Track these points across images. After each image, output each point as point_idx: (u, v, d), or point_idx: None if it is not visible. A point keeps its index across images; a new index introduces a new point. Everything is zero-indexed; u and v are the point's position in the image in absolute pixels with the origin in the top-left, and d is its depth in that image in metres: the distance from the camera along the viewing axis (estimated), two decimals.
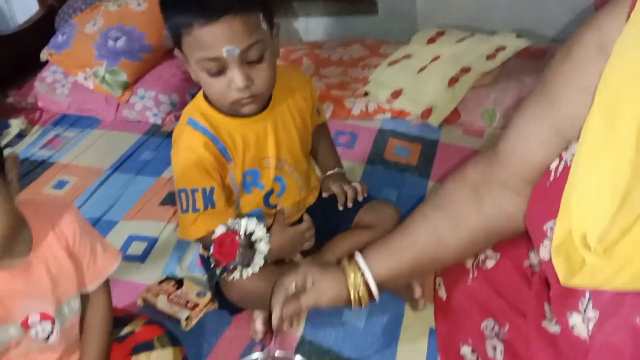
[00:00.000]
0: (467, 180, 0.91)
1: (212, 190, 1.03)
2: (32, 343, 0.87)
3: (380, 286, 0.91)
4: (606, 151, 0.65)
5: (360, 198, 1.21)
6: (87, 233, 0.91)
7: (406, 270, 0.92)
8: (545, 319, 0.82)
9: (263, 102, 1.04)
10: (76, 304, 0.92)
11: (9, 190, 0.78)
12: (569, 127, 0.73)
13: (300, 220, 1.14)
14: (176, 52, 0.98)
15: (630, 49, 0.65)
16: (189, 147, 1.02)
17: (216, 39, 0.89)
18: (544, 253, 0.76)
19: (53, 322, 0.88)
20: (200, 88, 1.05)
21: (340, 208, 1.20)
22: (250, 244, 0.98)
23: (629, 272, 0.63)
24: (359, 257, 0.93)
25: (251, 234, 0.97)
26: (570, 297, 0.72)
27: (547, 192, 0.76)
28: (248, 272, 0.98)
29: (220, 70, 0.93)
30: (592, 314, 0.68)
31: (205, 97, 1.05)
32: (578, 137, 0.71)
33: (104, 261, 0.93)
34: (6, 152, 0.80)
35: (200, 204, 1.03)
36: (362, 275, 0.91)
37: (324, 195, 1.22)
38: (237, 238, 0.97)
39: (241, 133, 1.05)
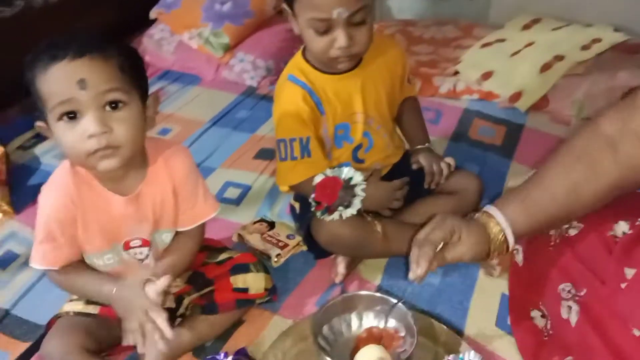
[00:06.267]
0: (602, 131, 0.89)
1: (308, 139, 1.13)
2: (129, 261, 1.00)
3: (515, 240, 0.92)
4: None
5: (443, 182, 1.25)
6: (194, 177, 1.01)
7: (543, 225, 0.93)
8: (624, 282, 0.86)
9: (357, 60, 1.13)
10: (168, 237, 1.02)
11: (145, 123, 0.90)
12: None
13: (387, 177, 1.23)
14: (284, 5, 1.07)
15: None
16: (289, 100, 1.13)
17: (329, 1, 0.98)
18: None
19: (149, 248, 1.00)
20: (297, 49, 1.17)
21: (426, 187, 1.26)
22: (349, 188, 1.06)
23: None
24: (498, 214, 0.91)
25: (350, 179, 1.06)
26: None
27: None
28: (347, 213, 1.07)
29: (326, 29, 1.03)
30: None
31: (303, 55, 1.16)
32: None
33: (202, 209, 1.02)
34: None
35: (297, 152, 1.13)
36: (502, 231, 0.90)
37: (414, 167, 1.27)
38: (338, 181, 1.06)
39: (333, 88, 1.15)
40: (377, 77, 1.19)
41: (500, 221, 0.90)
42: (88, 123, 0.81)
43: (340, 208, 1.05)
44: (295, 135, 1.13)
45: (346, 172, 1.05)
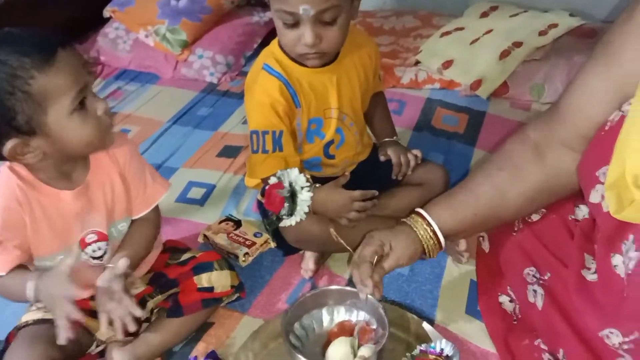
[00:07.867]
0: (528, 139, 0.94)
1: (281, 133, 1.10)
2: (87, 262, 0.95)
3: (446, 239, 0.97)
4: None
5: (410, 172, 1.25)
6: (137, 159, 1.00)
7: (469, 223, 0.97)
8: (584, 268, 0.87)
9: (328, 59, 1.10)
10: (124, 227, 1.00)
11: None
12: (629, 85, 0.77)
13: (353, 174, 1.21)
14: None
15: None
16: (264, 91, 1.09)
17: None
18: (594, 197, 0.81)
19: (107, 242, 0.97)
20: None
21: (394, 177, 1.26)
22: (294, 193, 1.04)
23: None
24: (424, 213, 0.96)
25: (294, 183, 1.03)
26: (615, 240, 0.78)
27: (601, 140, 0.80)
28: (291, 221, 1.05)
29: (294, 24, 1.00)
30: (634, 254, 0.74)
31: (279, 44, 1.12)
32: None
33: (153, 190, 1.01)
34: None
35: (269, 145, 1.10)
36: (431, 228, 0.95)
37: (382, 159, 1.27)
38: (278, 190, 1.02)
39: (308, 81, 1.12)
40: (352, 73, 1.17)
41: (428, 220, 0.96)
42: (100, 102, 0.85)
43: (285, 216, 1.03)
44: (268, 128, 1.10)
45: (289, 175, 1.02)
